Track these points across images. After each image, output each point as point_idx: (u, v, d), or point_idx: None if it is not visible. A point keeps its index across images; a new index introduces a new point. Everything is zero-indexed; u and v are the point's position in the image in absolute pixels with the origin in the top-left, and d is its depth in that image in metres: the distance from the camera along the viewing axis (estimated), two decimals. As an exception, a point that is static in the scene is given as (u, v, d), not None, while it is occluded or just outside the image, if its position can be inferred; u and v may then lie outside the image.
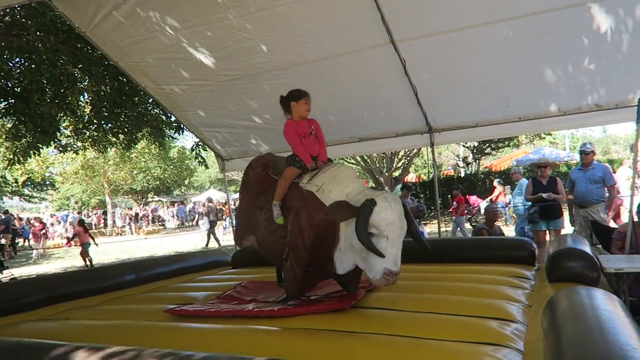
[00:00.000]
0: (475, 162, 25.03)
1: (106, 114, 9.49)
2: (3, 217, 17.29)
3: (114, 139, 10.59)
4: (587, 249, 3.23)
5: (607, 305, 1.83)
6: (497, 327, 2.27)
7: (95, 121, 9.73)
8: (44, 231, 18.07)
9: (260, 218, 3.16)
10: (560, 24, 4.42)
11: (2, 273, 10.24)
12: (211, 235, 16.08)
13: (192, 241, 17.30)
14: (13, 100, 8.09)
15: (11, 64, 7.95)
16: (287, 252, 2.85)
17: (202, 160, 10.46)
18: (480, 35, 4.66)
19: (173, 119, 9.05)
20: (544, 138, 24.99)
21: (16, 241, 17.14)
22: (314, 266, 2.84)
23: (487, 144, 22.20)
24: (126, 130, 10.13)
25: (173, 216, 31.17)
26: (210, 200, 18.03)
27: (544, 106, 5.30)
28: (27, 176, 21.57)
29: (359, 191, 2.65)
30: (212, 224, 16.25)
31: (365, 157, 16.98)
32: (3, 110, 8.30)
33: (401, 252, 2.47)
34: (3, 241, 14.39)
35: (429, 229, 13.66)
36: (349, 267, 2.67)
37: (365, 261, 2.48)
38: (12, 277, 9.61)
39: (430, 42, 4.79)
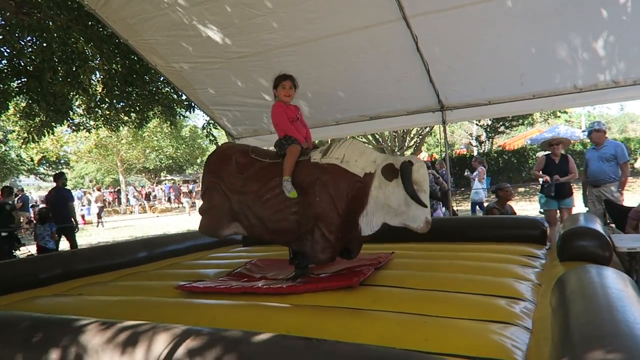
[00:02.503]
0: (489, 140, 24.75)
1: (118, 92, 9.52)
2: (20, 195, 17.59)
3: (125, 118, 10.63)
4: (599, 227, 3.20)
5: (617, 284, 1.81)
6: (506, 305, 2.26)
7: (107, 100, 9.76)
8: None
9: (251, 202, 3.12)
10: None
11: (19, 250, 10.48)
12: None
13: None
14: (26, 79, 8.14)
15: (23, 42, 7.97)
16: (311, 224, 2.91)
17: (213, 138, 10.48)
18: (494, 10, 4.55)
19: (184, 97, 9.04)
20: (559, 117, 24.54)
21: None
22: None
23: (501, 122, 21.90)
24: (138, 108, 10.16)
25: (189, 192, 31.32)
26: None
27: (560, 83, 5.18)
28: (42, 155, 21.87)
29: (384, 158, 2.93)
30: None
31: (377, 136, 16.88)
32: (16, 89, 8.36)
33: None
34: (21, 218, 14.65)
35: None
36: (377, 227, 2.92)
37: (404, 215, 2.81)
38: (29, 253, 9.81)
39: (443, 17, 4.69)
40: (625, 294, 1.72)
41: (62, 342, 1.68)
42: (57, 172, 9.69)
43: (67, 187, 9.11)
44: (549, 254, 3.65)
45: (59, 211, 8.47)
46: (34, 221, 7.96)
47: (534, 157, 19.97)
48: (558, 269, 2.93)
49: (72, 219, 8.76)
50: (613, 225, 5.23)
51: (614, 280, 1.88)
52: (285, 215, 3.01)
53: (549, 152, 6.40)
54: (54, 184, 8.92)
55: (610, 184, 5.90)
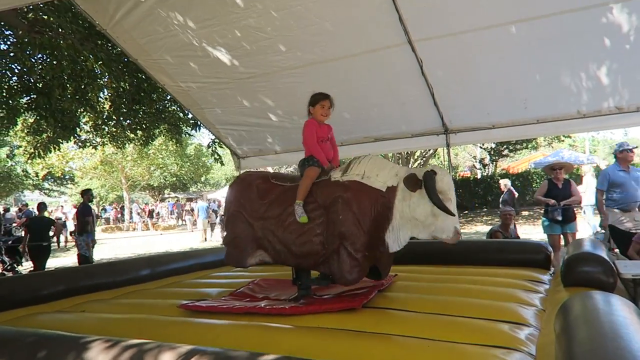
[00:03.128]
0: (492, 164, 24.77)
1: (125, 110, 9.63)
2: (24, 210, 17.65)
3: (132, 135, 10.72)
4: (603, 253, 3.19)
5: (621, 311, 1.80)
6: (509, 330, 2.26)
7: (114, 117, 9.87)
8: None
9: (275, 227, 3.08)
10: (581, 25, 4.35)
11: (22, 265, 10.48)
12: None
13: (208, 237, 17.54)
14: (35, 96, 8.26)
15: (33, 60, 8.11)
16: (336, 244, 2.83)
17: (218, 157, 10.54)
18: (498, 36, 4.62)
19: (190, 116, 9.13)
20: (563, 141, 24.64)
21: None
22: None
23: (505, 146, 21.95)
24: (144, 126, 10.26)
25: (190, 210, 31.32)
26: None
27: (563, 108, 5.22)
28: (47, 170, 21.99)
29: (406, 170, 2.89)
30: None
31: (381, 157, 16.93)
32: (25, 106, 8.47)
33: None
34: (24, 233, 14.67)
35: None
36: (404, 242, 2.86)
37: (432, 226, 2.74)
38: (32, 269, 9.81)
39: (448, 42, 4.77)
40: (629, 320, 1.72)
41: (66, 359, 1.68)
42: (84, 188, 10.06)
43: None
44: (553, 279, 3.63)
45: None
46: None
47: (537, 180, 19.96)
48: (562, 294, 2.92)
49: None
50: (617, 251, 5.20)
51: (618, 306, 1.87)
52: (309, 237, 2.95)
53: (551, 177, 6.38)
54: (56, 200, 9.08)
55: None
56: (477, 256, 4.32)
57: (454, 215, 2.66)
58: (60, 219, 18.07)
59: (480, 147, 25.48)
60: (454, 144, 6.12)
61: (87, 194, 9.25)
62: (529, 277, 3.55)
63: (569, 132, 13.93)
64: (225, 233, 3.37)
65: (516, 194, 11.51)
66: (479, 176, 23.97)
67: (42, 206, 9.61)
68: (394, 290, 3.22)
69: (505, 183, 11.37)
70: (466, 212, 20.21)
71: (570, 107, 5.17)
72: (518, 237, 6.38)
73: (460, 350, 2.04)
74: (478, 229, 15.03)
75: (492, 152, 23.34)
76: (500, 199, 11.22)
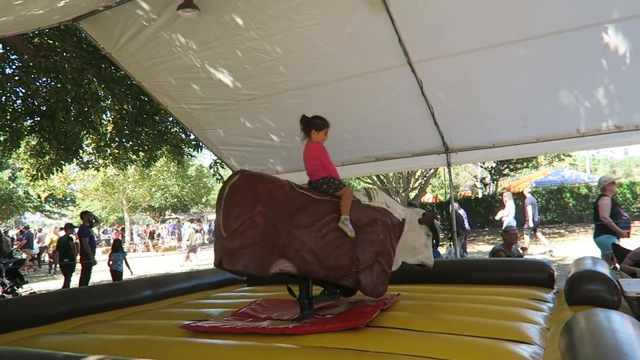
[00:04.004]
0: (493, 183, 24.79)
1: (127, 132, 9.72)
2: (25, 232, 17.64)
3: (134, 157, 10.80)
4: (606, 271, 3.18)
5: (626, 328, 1.80)
6: (514, 349, 2.24)
7: (116, 139, 9.97)
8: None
9: (306, 237, 3.01)
10: (578, 45, 4.43)
11: (22, 287, 10.42)
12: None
13: (210, 258, 17.53)
14: (39, 118, 8.35)
15: (38, 83, 8.22)
16: (373, 260, 3.13)
17: (220, 177, 10.59)
18: (497, 56, 4.69)
19: (192, 137, 9.21)
20: (563, 159, 24.64)
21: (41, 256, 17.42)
22: None
23: (505, 165, 21.99)
24: (146, 148, 10.34)
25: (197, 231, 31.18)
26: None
27: (563, 127, 5.27)
28: (49, 192, 22.04)
29: (405, 208, 3.58)
30: None
31: (382, 177, 16.96)
32: (29, 128, 8.56)
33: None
34: (24, 255, 14.64)
35: (444, 250, 13.49)
36: (398, 265, 3.37)
37: (421, 254, 3.44)
38: (32, 291, 9.76)
39: (447, 62, 4.84)
40: (634, 338, 1.71)
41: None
42: (84, 210, 10.53)
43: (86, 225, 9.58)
44: (557, 298, 3.62)
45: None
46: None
47: (539, 200, 19.92)
48: (566, 313, 2.90)
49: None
50: (618, 267, 5.19)
51: (622, 324, 1.87)
52: (344, 251, 3.07)
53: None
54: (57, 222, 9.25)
55: None
56: (480, 275, 4.30)
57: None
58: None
59: (481, 167, 25.53)
60: (454, 163, 6.16)
61: (86, 215, 9.50)
62: (533, 296, 3.53)
63: (569, 151, 13.99)
64: (239, 234, 2.85)
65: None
66: (480, 195, 23.97)
67: (68, 226, 10.00)
68: (397, 310, 3.21)
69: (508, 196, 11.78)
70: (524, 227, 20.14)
71: (569, 126, 5.22)
72: (521, 256, 6.35)
73: (465, 369, 2.02)
74: (480, 248, 14.95)
75: (493, 172, 23.36)
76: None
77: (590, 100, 4.89)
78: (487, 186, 24.99)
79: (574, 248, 13.28)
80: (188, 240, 18.23)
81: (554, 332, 2.53)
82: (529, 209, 12.11)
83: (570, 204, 19.51)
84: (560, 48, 4.49)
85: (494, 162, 21.24)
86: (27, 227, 19.30)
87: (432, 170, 16.85)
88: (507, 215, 11.61)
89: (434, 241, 3.60)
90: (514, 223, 10.91)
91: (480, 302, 3.30)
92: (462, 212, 11.07)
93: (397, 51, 4.76)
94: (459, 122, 5.63)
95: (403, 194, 17.13)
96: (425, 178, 17.58)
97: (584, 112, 5.03)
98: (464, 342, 2.38)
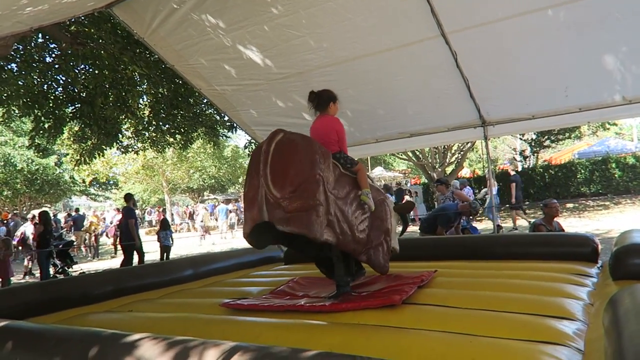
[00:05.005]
0: (534, 155, 24.04)
1: (164, 115, 9.91)
2: (74, 214, 18.39)
3: (171, 139, 11.03)
4: (655, 244, 3.06)
5: (675, 304, 1.73)
6: (556, 325, 2.19)
7: (154, 122, 10.18)
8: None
9: (343, 207, 2.94)
10: (621, 5, 4.18)
11: (72, 267, 10.94)
12: None
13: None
14: (79, 105, 8.61)
15: (77, 70, 8.45)
16: (381, 238, 3.23)
17: (255, 158, 10.67)
18: (534, 22, 4.49)
19: (226, 118, 9.30)
20: (608, 129, 23.60)
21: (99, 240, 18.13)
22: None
23: (546, 136, 21.25)
24: (183, 130, 10.53)
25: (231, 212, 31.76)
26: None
27: (607, 95, 5.02)
28: (93, 176, 22.84)
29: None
30: None
31: (417, 152, 16.74)
32: (70, 115, 8.85)
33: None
34: (73, 237, 15.31)
35: (483, 225, 13.31)
36: None
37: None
38: (82, 271, 10.24)
39: (482, 32, 4.67)
40: (683, 314, 1.64)
41: (117, 355, 1.75)
42: (127, 193, 10.92)
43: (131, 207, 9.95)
44: (602, 273, 3.51)
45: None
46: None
47: (582, 171, 19.25)
48: (611, 288, 2.82)
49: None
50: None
51: (671, 299, 1.79)
52: (364, 227, 3.14)
53: None
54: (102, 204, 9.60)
55: None
56: (521, 250, 4.21)
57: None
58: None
59: (520, 139, 24.78)
60: (492, 135, 6.00)
61: (130, 198, 9.84)
62: (576, 271, 3.44)
63: (615, 119, 13.41)
64: (299, 194, 2.67)
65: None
66: (519, 169, 23.33)
67: (128, 196, 10.13)
68: (434, 287, 3.19)
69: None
70: (507, 205, 19.71)
71: (615, 93, 4.97)
72: (563, 230, 6.17)
73: (504, 345, 1.99)
74: (520, 223, 14.62)
75: (533, 144, 22.64)
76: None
77: (637, 64, 4.63)
78: (527, 159, 24.27)
79: (619, 221, 12.83)
80: (202, 221, 19.24)
81: (598, 308, 2.46)
82: (513, 187, 12.81)
83: (616, 175, 18.73)
84: (602, 10, 4.25)
85: (534, 133, 20.57)
86: (77, 210, 20.08)
87: (469, 144, 16.50)
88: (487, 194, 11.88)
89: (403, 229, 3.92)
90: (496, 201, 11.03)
91: (520, 278, 3.24)
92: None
93: (430, 22, 4.63)
94: (495, 94, 5.45)
95: (439, 169, 16.89)
96: (462, 152, 17.25)
97: (630, 78, 4.77)
98: (504, 319, 2.35)
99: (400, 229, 3.78)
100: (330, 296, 3.11)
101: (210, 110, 10.54)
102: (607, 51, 4.63)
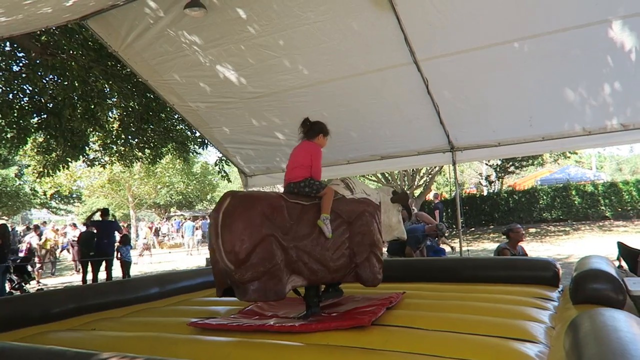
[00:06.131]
0: (499, 180, 24.72)
1: (133, 129, 9.76)
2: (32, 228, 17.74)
3: (140, 154, 10.83)
4: (611, 270, 3.19)
5: (631, 328, 1.81)
6: (520, 347, 2.26)
7: (122, 136, 10.00)
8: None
9: (310, 247, 2.98)
10: (583, 42, 4.40)
11: (29, 283, 10.52)
12: None
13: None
14: (45, 116, 8.40)
15: (45, 81, 8.26)
16: (368, 252, 3.27)
17: (225, 175, 10.61)
18: (502, 54, 4.68)
19: (198, 134, 9.24)
20: (569, 157, 24.56)
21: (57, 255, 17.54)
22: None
23: (511, 163, 21.93)
24: (152, 145, 10.37)
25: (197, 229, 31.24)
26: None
27: (568, 125, 5.25)
28: (55, 189, 22.16)
29: (377, 190, 3.81)
30: None
31: (387, 174, 16.97)
32: (36, 125, 8.61)
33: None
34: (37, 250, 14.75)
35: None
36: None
37: (397, 230, 3.74)
38: (40, 287, 9.86)
39: (452, 61, 4.84)
40: (639, 338, 1.72)
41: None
42: (104, 207, 11.08)
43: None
44: (562, 297, 3.62)
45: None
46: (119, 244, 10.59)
47: (544, 198, 19.88)
48: (571, 312, 2.91)
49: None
50: (626, 268, 5.18)
51: (627, 323, 1.88)
52: (342, 251, 3.16)
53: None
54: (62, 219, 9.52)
55: None
56: (485, 273, 4.32)
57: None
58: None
59: (486, 164, 25.47)
60: (460, 161, 6.15)
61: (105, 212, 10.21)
62: (538, 295, 3.55)
63: (575, 149, 13.91)
64: (251, 265, 2.69)
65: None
66: (485, 193, 23.92)
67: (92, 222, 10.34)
68: (402, 308, 3.23)
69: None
70: (473, 229, 20.13)
71: (575, 124, 5.20)
72: (526, 255, 6.34)
73: (470, 367, 2.04)
74: (485, 246, 14.93)
75: (498, 169, 23.31)
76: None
77: (595, 98, 4.87)
78: (492, 184, 24.93)
79: (579, 246, 13.26)
80: (145, 238, 19.31)
81: (559, 331, 2.55)
82: (437, 213, 14.18)
83: (576, 202, 19.45)
84: (565, 45, 4.48)
85: (499, 160, 21.20)
86: (37, 227, 19.39)
87: (437, 168, 16.84)
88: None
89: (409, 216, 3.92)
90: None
91: (485, 301, 3.31)
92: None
93: (403, 49, 4.77)
94: (464, 121, 5.62)
95: (408, 192, 17.13)
96: (430, 175, 17.58)
97: (589, 110, 5.01)
98: (469, 341, 2.40)
99: (399, 216, 3.78)
100: (299, 316, 3.11)
101: (181, 126, 10.45)
102: (568, 84, 4.85)
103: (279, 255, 2.77)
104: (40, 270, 13.63)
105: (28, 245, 13.84)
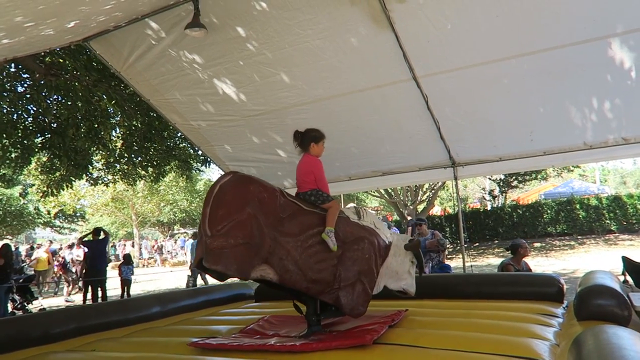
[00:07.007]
0: (502, 195, 24.65)
1: (136, 148, 9.84)
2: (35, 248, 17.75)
3: (143, 172, 10.91)
4: (616, 286, 3.15)
5: (634, 346, 1.78)
6: (523, 366, 2.22)
7: (125, 155, 10.08)
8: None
9: (291, 246, 2.95)
10: (582, 59, 4.44)
11: (32, 303, 10.48)
12: None
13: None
14: (49, 135, 8.47)
15: (49, 101, 8.35)
16: (355, 278, 3.10)
17: (227, 193, 10.63)
18: (502, 70, 4.71)
19: (200, 152, 9.29)
20: (572, 171, 24.52)
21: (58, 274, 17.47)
22: None
23: (514, 177, 21.90)
24: (155, 163, 10.44)
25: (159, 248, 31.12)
26: None
27: (569, 140, 5.26)
28: (59, 208, 22.24)
29: (391, 232, 3.58)
30: None
31: (390, 190, 16.96)
32: (39, 145, 8.68)
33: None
34: (33, 272, 14.71)
35: (455, 263, 13.43)
36: (379, 289, 3.29)
37: (404, 281, 3.40)
38: (42, 307, 9.83)
39: (451, 77, 4.87)
40: (643, 355, 1.70)
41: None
42: (96, 227, 11.03)
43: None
44: (567, 313, 3.58)
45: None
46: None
47: (548, 212, 19.78)
48: (576, 328, 2.87)
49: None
50: (631, 283, 5.13)
51: (630, 341, 1.85)
52: (327, 265, 3.02)
53: None
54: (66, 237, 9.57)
55: None
56: (489, 290, 4.27)
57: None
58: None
59: (490, 179, 25.43)
60: (461, 176, 6.15)
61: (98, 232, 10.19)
62: (542, 311, 3.50)
63: (576, 163, 13.95)
64: (223, 234, 2.74)
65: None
66: (489, 208, 23.83)
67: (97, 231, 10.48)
68: (404, 326, 3.19)
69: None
70: (477, 244, 20.00)
71: (576, 139, 5.21)
72: (530, 270, 6.28)
73: (473, 387, 2.00)
74: (490, 261, 14.83)
75: (502, 184, 23.26)
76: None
77: (596, 113, 4.88)
78: (496, 198, 24.85)
79: (584, 260, 13.15)
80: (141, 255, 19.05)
81: (564, 349, 2.51)
82: (409, 230, 13.67)
83: (580, 216, 19.34)
84: (564, 62, 4.51)
85: (502, 174, 21.18)
86: (40, 245, 19.45)
87: (440, 183, 16.84)
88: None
89: (418, 270, 3.48)
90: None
91: (489, 318, 3.27)
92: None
93: (402, 66, 4.80)
94: (465, 136, 5.64)
95: (411, 207, 17.10)
96: (433, 191, 17.57)
97: (590, 125, 5.02)
98: (473, 359, 2.36)
99: (412, 268, 3.44)
100: (300, 335, 3.08)
101: (184, 144, 10.53)
102: (568, 99, 4.88)
103: (254, 237, 2.78)
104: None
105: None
